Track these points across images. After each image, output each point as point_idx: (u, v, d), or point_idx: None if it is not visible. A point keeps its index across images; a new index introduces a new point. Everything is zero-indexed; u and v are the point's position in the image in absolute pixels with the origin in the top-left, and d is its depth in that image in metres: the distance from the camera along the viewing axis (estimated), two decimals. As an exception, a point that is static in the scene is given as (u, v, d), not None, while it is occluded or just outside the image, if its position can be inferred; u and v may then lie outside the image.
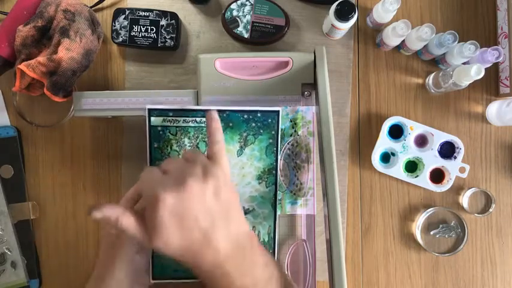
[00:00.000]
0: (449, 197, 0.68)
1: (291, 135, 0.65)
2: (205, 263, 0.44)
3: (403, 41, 0.65)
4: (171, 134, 0.56)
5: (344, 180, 0.68)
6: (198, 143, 0.57)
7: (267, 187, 0.59)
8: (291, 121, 0.65)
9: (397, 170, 0.67)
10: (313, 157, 0.65)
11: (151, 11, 0.65)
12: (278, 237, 0.64)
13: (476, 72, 0.57)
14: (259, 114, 0.57)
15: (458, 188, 0.68)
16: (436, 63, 0.68)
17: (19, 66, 0.58)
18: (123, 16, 0.65)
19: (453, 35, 0.61)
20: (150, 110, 0.55)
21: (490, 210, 0.68)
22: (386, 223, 0.68)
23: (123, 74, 0.68)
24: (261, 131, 0.57)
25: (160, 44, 0.65)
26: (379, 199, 0.68)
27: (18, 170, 0.67)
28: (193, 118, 0.56)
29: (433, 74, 0.66)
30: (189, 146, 0.56)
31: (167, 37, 0.65)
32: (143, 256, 0.53)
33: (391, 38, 0.63)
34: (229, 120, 0.57)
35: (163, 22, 0.65)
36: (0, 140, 0.67)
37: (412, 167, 0.68)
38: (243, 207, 0.59)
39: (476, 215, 0.68)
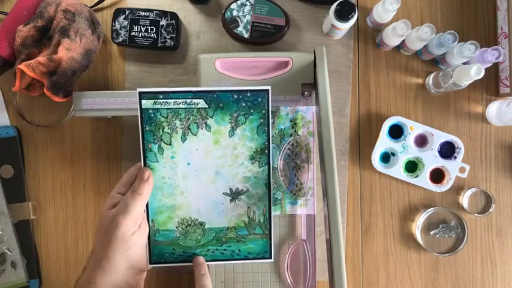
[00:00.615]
0: (449, 197, 0.68)
1: (291, 135, 0.65)
2: None
3: (403, 41, 0.65)
4: (162, 117, 0.57)
5: (344, 180, 0.68)
6: (189, 125, 0.57)
7: (260, 167, 0.59)
8: (291, 121, 0.65)
9: (397, 170, 0.67)
10: (313, 157, 0.65)
11: (151, 11, 0.65)
12: (280, 238, 0.64)
13: (476, 72, 0.57)
14: (248, 94, 0.57)
15: (458, 188, 0.68)
16: (436, 63, 0.68)
17: (19, 66, 0.58)
18: (123, 16, 0.65)
19: (453, 35, 0.61)
20: (141, 93, 0.56)
21: (490, 210, 0.68)
22: (386, 223, 0.68)
23: (123, 74, 0.68)
24: (252, 110, 0.58)
25: (160, 44, 0.65)
26: (379, 199, 0.68)
27: (18, 170, 0.67)
28: (184, 100, 0.57)
29: (433, 74, 0.66)
30: (180, 128, 0.57)
31: (167, 37, 0.65)
32: (140, 237, 0.53)
33: (391, 38, 0.63)
34: (220, 100, 0.57)
35: (163, 22, 0.65)
36: (0, 140, 0.67)
37: (412, 167, 0.68)
38: (237, 188, 0.59)
39: (476, 215, 0.68)
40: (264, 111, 0.58)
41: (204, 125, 0.57)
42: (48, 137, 0.68)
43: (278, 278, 0.64)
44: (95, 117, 0.67)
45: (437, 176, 0.68)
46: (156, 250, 0.58)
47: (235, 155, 0.58)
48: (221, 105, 0.57)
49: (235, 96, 0.57)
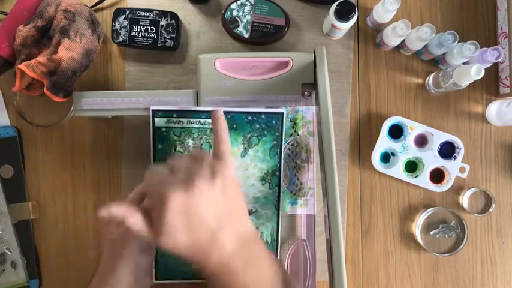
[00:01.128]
0: (449, 197, 0.68)
1: (291, 135, 0.65)
2: (212, 261, 0.44)
3: (403, 41, 0.65)
4: (175, 135, 0.56)
5: (344, 180, 0.68)
6: (202, 144, 0.57)
7: (270, 188, 0.59)
8: (291, 121, 0.65)
9: (397, 170, 0.67)
10: (313, 157, 0.65)
11: (151, 11, 0.65)
12: (281, 238, 0.64)
13: (476, 72, 0.57)
14: (263, 116, 0.57)
15: (458, 188, 0.68)
16: (436, 63, 0.68)
17: (19, 66, 0.58)
18: (123, 16, 0.65)
19: (453, 35, 0.61)
20: (154, 111, 0.55)
21: (490, 210, 0.68)
22: (386, 223, 0.68)
23: (123, 74, 0.68)
24: (265, 132, 0.57)
25: (160, 44, 0.65)
26: (379, 199, 0.68)
27: (18, 170, 0.67)
28: (198, 119, 0.56)
29: (433, 74, 0.66)
30: (193, 147, 0.56)
31: (167, 37, 0.65)
32: (147, 255, 0.53)
33: (391, 38, 0.63)
34: (233, 121, 0.57)
35: (163, 22, 0.65)
36: (0, 140, 0.67)
37: (412, 167, 0.68)
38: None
39: (476, 215, 0.68)
40: (277, 134, 0.57)
41: None
42: (48, 137, 0.68)
43: (278, 278, 0.64)
44: (95, 117, 0.67)
45: (437, 176, 0.68)
46: (162, 266, 0.58)
47: (247, 176, 0.58)
48: (235, 126, 0.57)
49: (250, 118, 0.57)
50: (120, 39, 0.65)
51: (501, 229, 0.68)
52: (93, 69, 0.68)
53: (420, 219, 0.67)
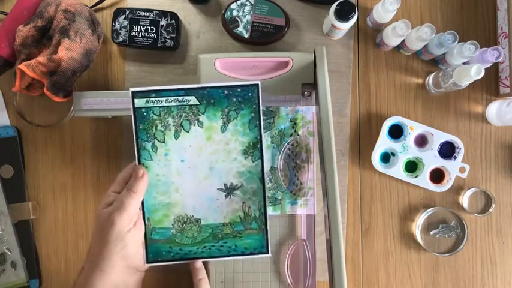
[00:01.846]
0: (449, 197, 0.68)
1: (291, 135, 0.65)
2: None
3: (403, 41, 0.65)
4: (155, 115, 0.57)
5: (344, 180, 0.68)
6: (181, 122, 0.58)
7: (253, 161, 0.59)
8: (291, 121, 0.65)
9: (397, 170, 0.67)
10: (313, 157, 0.65)
11: (151, 11, 0.65)
12: (280, 238, 0.64)
13: (476, 72, 0.57)
14: (239, 89, 0.58)
15: (458, 188, 0.68)
16: (436, 63, 0.68)
17: (19, 66, 0.58)
18: (123, 16, 0.65)
19: (453, 35, 0.61)
20: (133, 92, 0.56)
21: (490, 210, 0.68)
22: (386, 223, 0.68)
23: (123, 74, 0.68)
24: (242, 105, 0.58)
25: (160, 44, 0.65)
26: (379, 199, 0.68)
27: (18, 170, 0.67)
28: (176, 97, 0.57)
29: (433, 74, 0.66)
30: (173, 126, 0.58)
31: (167, 37, 0.65)
32: (135, 234, 0.54)
33: (391, 38, 0.63)
34: (211, 96, 0.58)
35: (163, 22, 0.65)
36: (0, 140, 0.67)
37: (412, 167, 0.68)
38: (232, 183, 0.59)
39: (476, 215, 0.68)
40: (254, 106, 0.58)
41: (196, 121, 0.58)
42: (48, 137, 0.68)
43: (278, 278, 0.64)
44: (95, 117, 0.67)
45: (437, 176, 0.68)
46: (152, 248, 0.58)
47: (228, 150, 0.59)
48: (212, 101, 0.58)
49: (226, 92, 0.58)
50: (120, 39, 0.65)
51: (501, 229, 0.68)
52: (93, 69, 0.68)
53: (420, 219, 0.67)
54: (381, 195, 0.68)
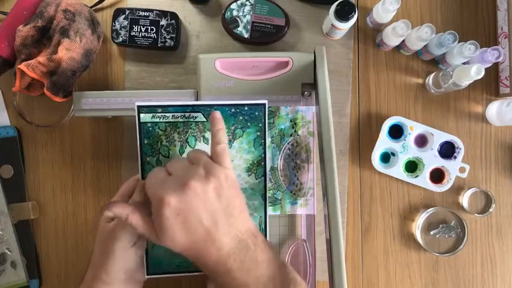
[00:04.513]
0: (449, 197, 0.68)
1: (291, 135, 0.65)
2: (210, 260, 0.46)
3: (403, 41, 0.65)
4: (161, 130, 0.57)
5: (344, 180, 0.68)
6: (187, 138, 0.57)
7: (256, 179, 0.59)
8: (291, 121, 0.65)
9: (397, 170, 0.67)
10: (313, 157, 0.65)
11: (151, 11, 0.65)
12: (280, 238, 0.64)
13: (476, 72, 0.57)
14: (246, 108, 0.57)
15: (458, 188, 0.68)
16: (436, 63, 0.68)
17: (19, 66, 0.58)
18: (123, 16, 0.65)
19: (453, 35, 0.61)
20: (139, 107, 0.56)
21: (490, 210, 0.68)
22: (386, 223, 0.68)
23: (123, 74, 0.68)
24: (249, 124, 0.58)
25: (160, 44, 0.65)
26: (379, 199, 0.68)
27: (18, 170, 0.67)
28: (182, 113, 0.57)
29: (433, 74, 0.66)
30: (178, 141, 0.57)
31: (167, 37, 0.65)
32: (138, 249, 0.53)
33: (391, 38, 0.63)
34: None
35: (163, 22, 0.65)
36: (0, 140, 0.67)
37: (412, 167, 0.68)
38: None
39: (476, 215, 0.68)
40: (260, 125, 0.58)
41: (202, 138, 0.57)
42: (48, 137, 0.68)
43: (278, 278, 0.64)
44: (95, 117, 0.67)
45: (437, 176, 0.68)
46: (153, 261, 0.58)
47: (232, 167, 0.58)
48: None
49: (233, 110, 0.57)
50: (120, 39, 0.65)
51: (501, 229, 0.68)
52: (93, 69, 0.68)
53: (420, 219, 0.67)
54: (380, 195, 0.68)
